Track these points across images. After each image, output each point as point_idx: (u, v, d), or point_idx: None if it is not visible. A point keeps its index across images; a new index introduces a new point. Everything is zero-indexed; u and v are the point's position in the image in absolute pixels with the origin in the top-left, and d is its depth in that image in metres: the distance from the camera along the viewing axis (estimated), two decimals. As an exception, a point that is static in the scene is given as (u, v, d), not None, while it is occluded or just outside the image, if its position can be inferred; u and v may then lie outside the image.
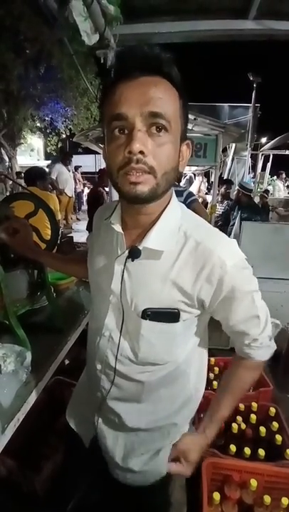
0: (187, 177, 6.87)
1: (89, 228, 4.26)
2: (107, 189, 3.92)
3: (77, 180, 8.85)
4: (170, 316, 0.59)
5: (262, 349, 0.65)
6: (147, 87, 0.48)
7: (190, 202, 2.55)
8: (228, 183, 4.49)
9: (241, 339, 0.65)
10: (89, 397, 0.75)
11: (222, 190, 4.27)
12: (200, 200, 6.27)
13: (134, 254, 0.58)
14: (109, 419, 0.71)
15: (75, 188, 8.10)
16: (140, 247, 0.58)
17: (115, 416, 0.69)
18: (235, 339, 0.66)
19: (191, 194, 2.65)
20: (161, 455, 0.70)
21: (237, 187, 3.73)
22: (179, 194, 2.52)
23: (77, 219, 7.43)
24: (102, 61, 1.74)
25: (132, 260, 0.59)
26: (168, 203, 0.60)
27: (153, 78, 0.49)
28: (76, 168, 8.98)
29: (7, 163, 8.56)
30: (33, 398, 0.77)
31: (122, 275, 0.61)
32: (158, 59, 0.50)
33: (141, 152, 0.48)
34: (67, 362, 1.73)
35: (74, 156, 6.58)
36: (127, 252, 0.60)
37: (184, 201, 2.52)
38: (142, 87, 0.48)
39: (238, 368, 0.71)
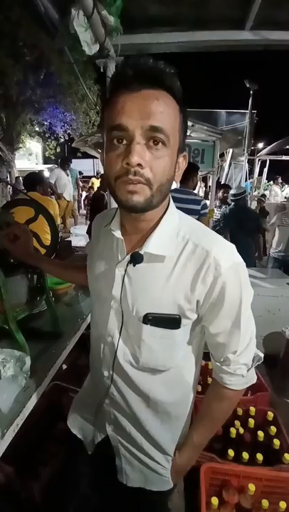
0: None
1: (89, 232, 4.20)
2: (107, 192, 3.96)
3: (79, 186, 8.80)
4: (171, 321, 0.60)
5: (235, 377, 0.63)
6: (149, 101, 0.49)
7: (203, 213, 2.59)
8: (226, 187, 4.52)
9: (218, 355, 0.64)
10: (94, 403, 0.76)
11: (220, 194, 4.30)
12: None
13: (135, 259, 0.59)
14: (116, 424, 0.72)
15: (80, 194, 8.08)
16: (141, 252, 0.59)
17: (122, 420, 0.70)
18: (213, 354, 0.66)
19: (206, 206, 2.70)
20: (164, 457, 0.71)
21: (231, 197, 3.56)
22: (196, 202, 2.56)
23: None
24: (101, 70, 1.77)
25: (134, 265, 0.59)
26: (166, 209, 0.61)
27: (155, 91, 0.49)
28: (79, 173, 8.98)
29: (9, 170, 8.52)
30: (32, 403, 0.77)
31: (123, 280, 0.62)
32: (161, 73, 0.50)
33: (139, 165, 0.49)
34: (64, 367, 1.73)
35: (73, 160, 6.59)
36: (127, 257, 0.61)
37: (200, 210, 2.56)
38: (144, 100, 0.49)
39: (211, 400, 0.70)
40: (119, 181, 0.51)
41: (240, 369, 0.63)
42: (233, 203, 3.40)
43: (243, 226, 3.25)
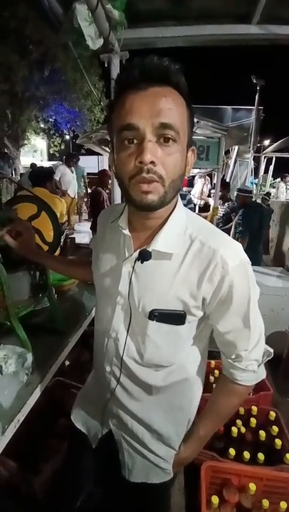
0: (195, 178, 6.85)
1: (93, 228, 4.37)
2: (107, 190, 3.95)
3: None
4: (176, 317, 0.60)
5: (246, 373, 0.64)
6: (157, 98, 0.49)
7: (189, 208, 2.61)
8: (225, 185, 4.52)
9: (229, 352, 0.65)
10: (98, 398, 0.77)
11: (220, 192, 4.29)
12: (202, 202, 6.30)
13: (144, 256, 0.59)
14: (118, 419, 0.72)
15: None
16: (150, 249, 0.59)
17: (124, 415, 0.71)
18: (224, 351, 0.66)
19: (191, 201, 2.71)
20: (167, 450, 0.72)
21: (236, 192, 3.67)
22: (182, 198, 2.56)
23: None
24: (106, 65, 1.75)
25: (142, 262, 0.60)
26: (174, 207, 0.61)
27: (162, 89, 0.50)
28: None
29: (15, 168, 8.51)
30: (33, 399, 0.77)
31: (130, 277, 0.62)
32: (167, 70, 0.50)
33: (152, 162, 0.50)
34: (67, 363, 1.74)
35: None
36: (135, 254, 0.61)
37: (186, 204, 2.56)
38: (152, 98, 0.49)
39: (220, 395, 0.71)
40: (134, 181, 0.52)
41: (252, 365, 0.64)
42: (249, 201, 3.47)
43: (262, 223, 3.32)
